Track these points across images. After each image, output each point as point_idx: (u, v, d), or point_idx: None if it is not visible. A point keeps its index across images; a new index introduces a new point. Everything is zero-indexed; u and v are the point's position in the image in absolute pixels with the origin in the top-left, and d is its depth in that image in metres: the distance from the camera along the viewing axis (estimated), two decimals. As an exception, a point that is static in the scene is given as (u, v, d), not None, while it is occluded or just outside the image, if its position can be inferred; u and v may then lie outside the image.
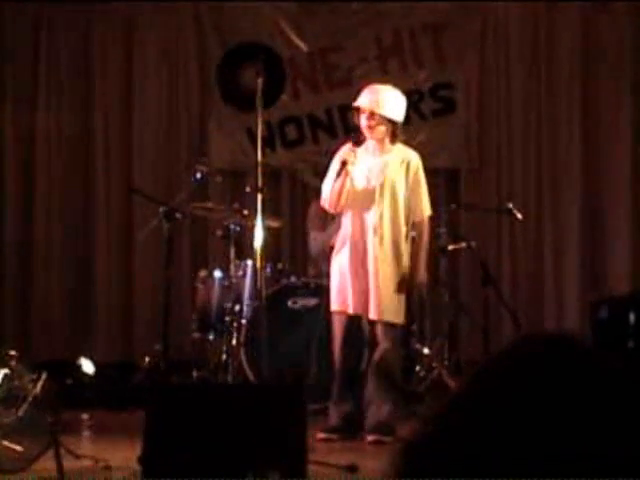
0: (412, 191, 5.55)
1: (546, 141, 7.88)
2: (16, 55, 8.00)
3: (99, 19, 8.00)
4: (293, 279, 6.43)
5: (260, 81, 5.59)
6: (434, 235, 6.33)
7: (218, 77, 7.96)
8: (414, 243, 5.54)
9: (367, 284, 5.42)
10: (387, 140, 5.54)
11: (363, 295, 5.43)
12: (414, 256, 5.51)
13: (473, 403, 0.91)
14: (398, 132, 5.55)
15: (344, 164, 5.42)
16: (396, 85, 7.89)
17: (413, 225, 5.55)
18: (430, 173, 7.40)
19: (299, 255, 7.70)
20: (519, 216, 6.83)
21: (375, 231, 5.45)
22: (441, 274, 7.25)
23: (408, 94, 7.91)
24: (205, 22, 7.99)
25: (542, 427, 0.87)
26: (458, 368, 6.74)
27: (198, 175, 6.73)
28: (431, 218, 5.68)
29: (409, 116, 7.93)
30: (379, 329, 5.47)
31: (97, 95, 8.00)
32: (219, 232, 6.81)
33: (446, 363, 6.69)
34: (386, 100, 5.51)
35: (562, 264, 7.81)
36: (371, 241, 5.45)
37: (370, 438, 5.43)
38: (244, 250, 6.70)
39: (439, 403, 0.94)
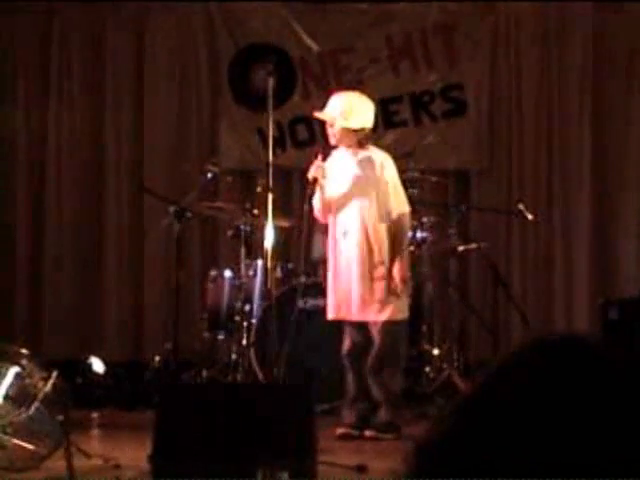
0: (390, 188, 5.59)
1: (557, 142, 7.87)
2: (27, 57, 8.02)
3: (110, 20, 8.00)
4: (303, 279, 6.43)
5: (271, 81, 5.61)
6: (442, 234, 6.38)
7: (229, 77, 7.97)
8: (395, 240, 5.57)
9: (371, 287, 5.50)
10: (356, 144, 5.59)
11: (347, 298, 5.51)
12: (396, 253, 5.55)
13: (487, 404, 0.91)
14: (366, 138, 5.60)
15: (315, 181, 5.47)
16: (407, 86, 7.97)
17: (392, 221, 5.58)
18: (440, 174, 7.45)
19: (309, 255, 7.70)
20: (530, 217, 6.83)
21: (358, 231, 5.53)
22: (451, 275, 7.25)
23: (419, 95, 7.98)
24: (216, 22, 8.00)
25: (556, 429, 0.87)
26: (467, 369, 6.74)
27: (209, 175, 6.76)
28: (405, 214, 5.69)
29: (420, 118, 8.02)
30: (374, 328, 5.54)
31: (108, 96, 8.01)
32: (229, 232, 6.82)
33: (455, 364, 6.69)
34: (351, 110, 5.55)
35: (572, 265, 7.80)
36: (356, 241, 5.53)
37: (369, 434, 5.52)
38: (254, 250, 6.70)
39: (452, 403, 0.95)
